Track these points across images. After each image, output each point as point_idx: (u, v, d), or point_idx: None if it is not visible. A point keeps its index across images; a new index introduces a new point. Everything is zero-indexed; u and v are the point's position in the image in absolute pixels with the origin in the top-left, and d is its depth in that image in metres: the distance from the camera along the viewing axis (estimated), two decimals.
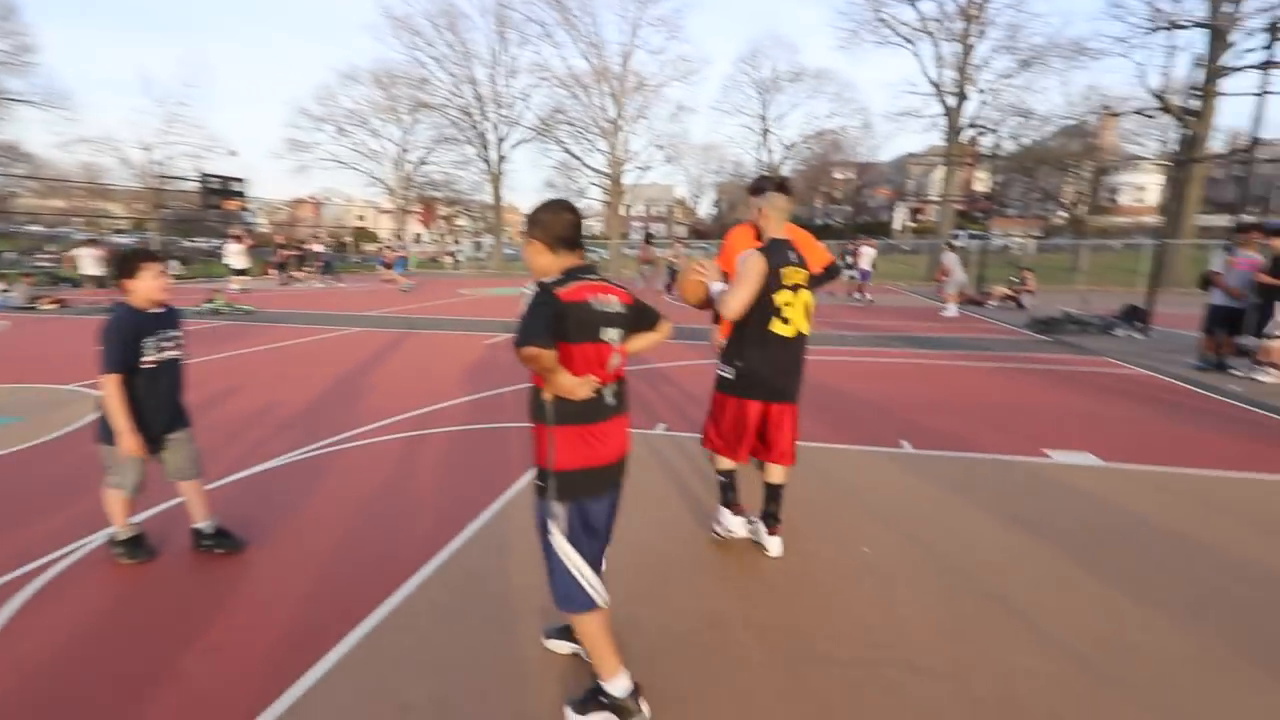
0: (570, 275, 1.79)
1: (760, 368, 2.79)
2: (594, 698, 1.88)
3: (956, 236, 24.93)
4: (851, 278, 16.78)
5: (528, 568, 2.64)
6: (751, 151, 48.09)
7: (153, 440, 2.74)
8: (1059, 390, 6.35)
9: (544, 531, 1.85)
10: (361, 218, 62.52)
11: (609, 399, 1.85)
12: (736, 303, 2.68)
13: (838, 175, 52.99)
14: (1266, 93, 8.26)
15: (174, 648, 2.26)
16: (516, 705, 1.98)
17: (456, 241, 45.96)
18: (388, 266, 21.01)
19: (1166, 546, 3.04)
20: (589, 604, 1.84)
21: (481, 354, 8.09)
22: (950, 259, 13.74)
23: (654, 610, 2.50)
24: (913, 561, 2.88)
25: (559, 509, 1.80)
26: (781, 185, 2.89)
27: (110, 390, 2.59)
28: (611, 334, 1.83)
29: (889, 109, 65.81)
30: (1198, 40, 21.02)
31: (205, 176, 26.44)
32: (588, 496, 1.83)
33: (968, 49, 26.26)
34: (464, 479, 3.84)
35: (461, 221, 52.65)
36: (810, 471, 3.97)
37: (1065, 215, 41.57)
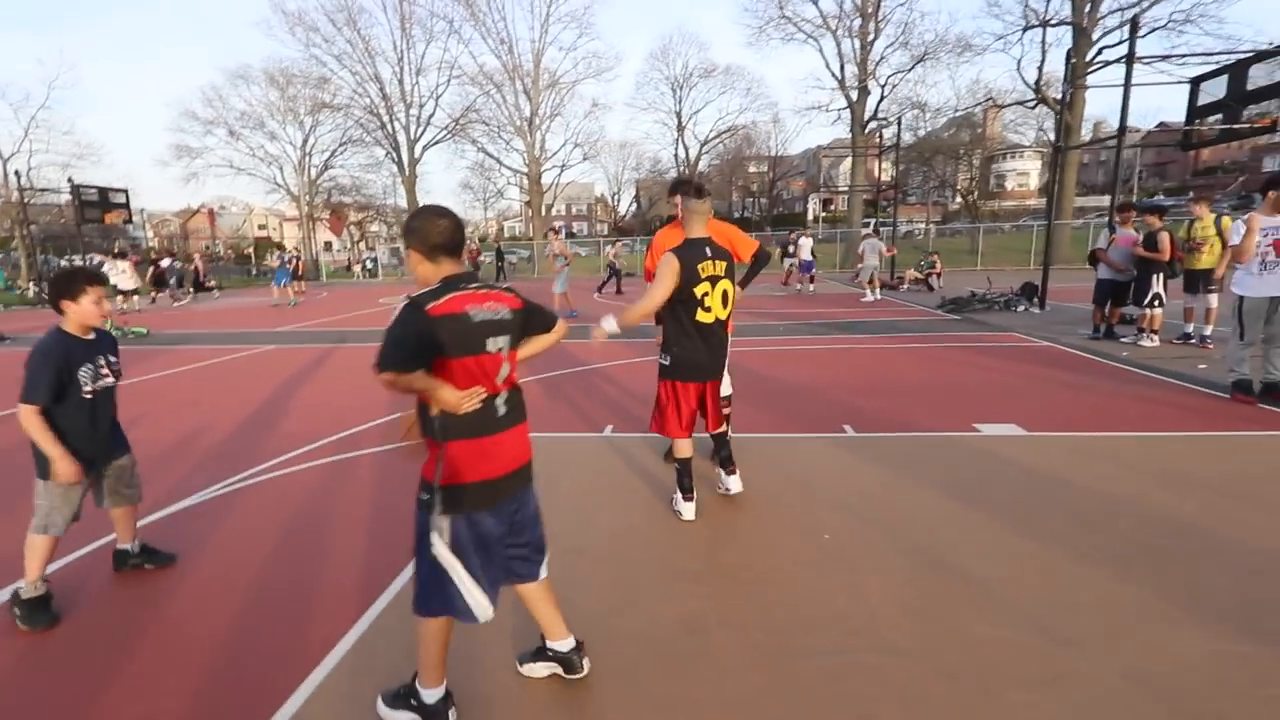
0: (448, 285, 1.71)
1: (690, 353, 3.11)
2: (406, 697, 1.89)
3: (868, 224, 26.22)
4: (792, 268, 17.28)
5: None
6: (668, 147, 48.73)
7: (93, 469, 2.62)
8: (977, 366, 6.77)
9: (422, 542, 1.75)
10: (263, 226, 58.66)
11: (501, 409, 1.80)
12: (652, 302, 3.00)
13: (752, 169, 54.54)
14: (1130, 85, 9.10)
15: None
16: None
17: (370, 248, 43.90)
18: (299, 278, 19.72)
19: (1091, 505, 3.28)
20: (464, 613, 1.75)
21: None
22: (868, 245, 14.26)
23: (629, 620, 2.44)
24: (873, 544, 2.97)
25: (443, 522, 1.71)
26: (699, 190, 3.11)
27: (32, 421, 2.40)
28: (499, 342, 1.78)
29: (797, 104, 68.39)
30: (1066, 37, 22.98)
31: (78, 187, 23.93)
32: (478, 510, 1.77)
33: (866, 45, 27.64)
34: (403, 500, 3.63)
35: (375, 228, 50.38)
36: (762, 462, 4.03)
37: (960, 201, 44.61)
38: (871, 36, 27.56)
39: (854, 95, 28.33)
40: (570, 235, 54.13)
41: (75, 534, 3.26)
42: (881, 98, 28.70)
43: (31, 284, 24.04)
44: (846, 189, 34.98)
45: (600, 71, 35.90)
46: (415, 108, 33.94)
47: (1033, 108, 28.13)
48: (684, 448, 3.25)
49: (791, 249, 17.45)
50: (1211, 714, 1.87)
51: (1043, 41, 24.05)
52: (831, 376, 6.51)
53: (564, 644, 2.09)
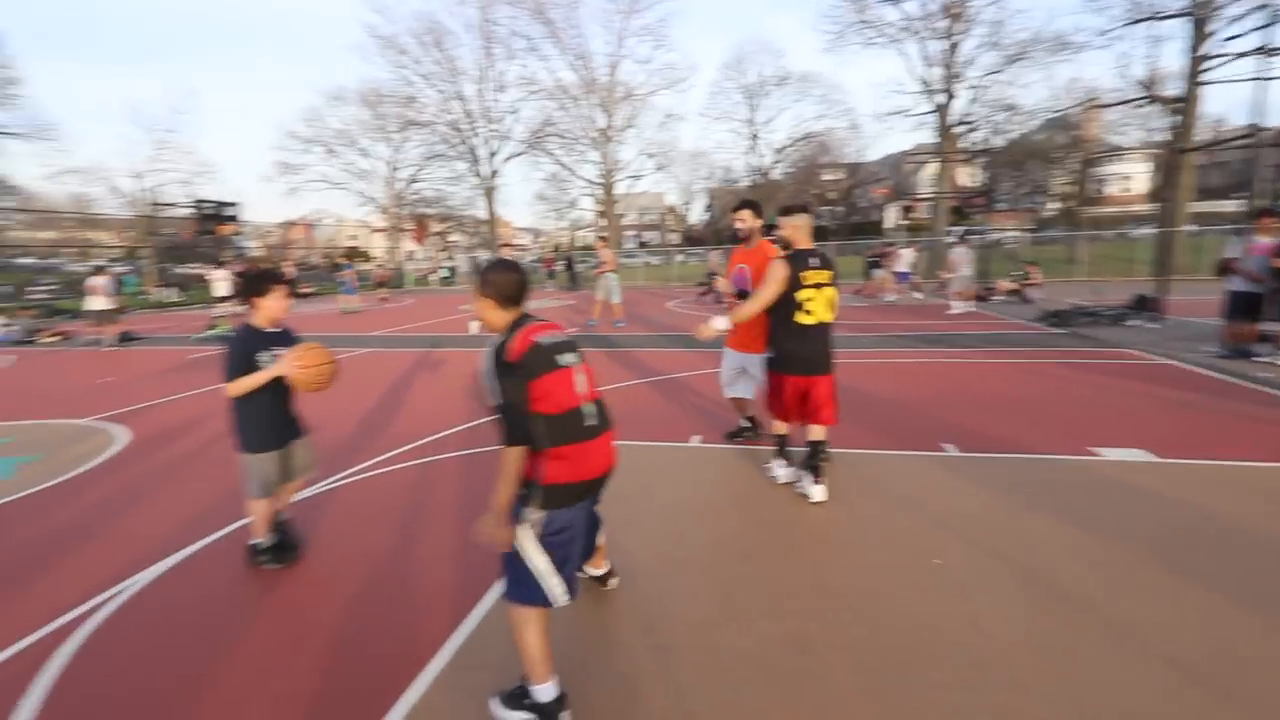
0: (515, 325, 1.97)
1: (791, 350, 3.57)
2: (520, 697, 1.98)
3: (950, 232, 24.99)
4: (881, 279, 16.81)
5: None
6: (741, 156, 48.29)
7: (281, 443, 2.98)
8: (1088, 384, 6.29)
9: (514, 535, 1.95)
10: (353, 237, 62.42)
11: (589, 419, 1.99)
12: (760, 303, 3.52)
13: (827, 176, 53.27)
14: (1263, 78, 8.26)
15: (233, 702, 2.14)
16: None
17: (450, 257, 45.85)
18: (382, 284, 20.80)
19: (1239, 543, 2.96)
20: (544, 600, 1.94)
21: None
22: (959, 254, 13.64)
23: (733, 636, 2.40)
24: (988, 572, 2.79)
25: (535, 515, 1.92)
26: (805, 209, 3.71)
27: (234, 388, 2.81)
28: (568, 358, 1.99)
29: (877, 109, 66.33)
30: (1181, 30, 21.20)
31: (198, 202, 26.29)
32: (566, 507, 1.97)
33: (953, 47, 26.48)
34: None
35: (455, 237, 52.60)
36: (861, 481, 3.89)
37: (1057, 207, 41.87)
38: (959, 38, 26.40)
39: (940, 99, 27.19)
40: (642, 244, 54.54)
41: (202, 523, 3.55)
42: (970, 100, 27.39)
43: (158, 288, 26.51)
44: (930, 196, 33.53)
45: (674, 83, 35.94)
46: (496, 123, 35.27)
47: (1141, 107, 26.07)
48: (781, 427, 3.77)
49: (880, 262, 17.16)
50: None
51: (1154, 36, 22.26)
52: (927, 391, 6.21)
53: (599, 570, 2.63)
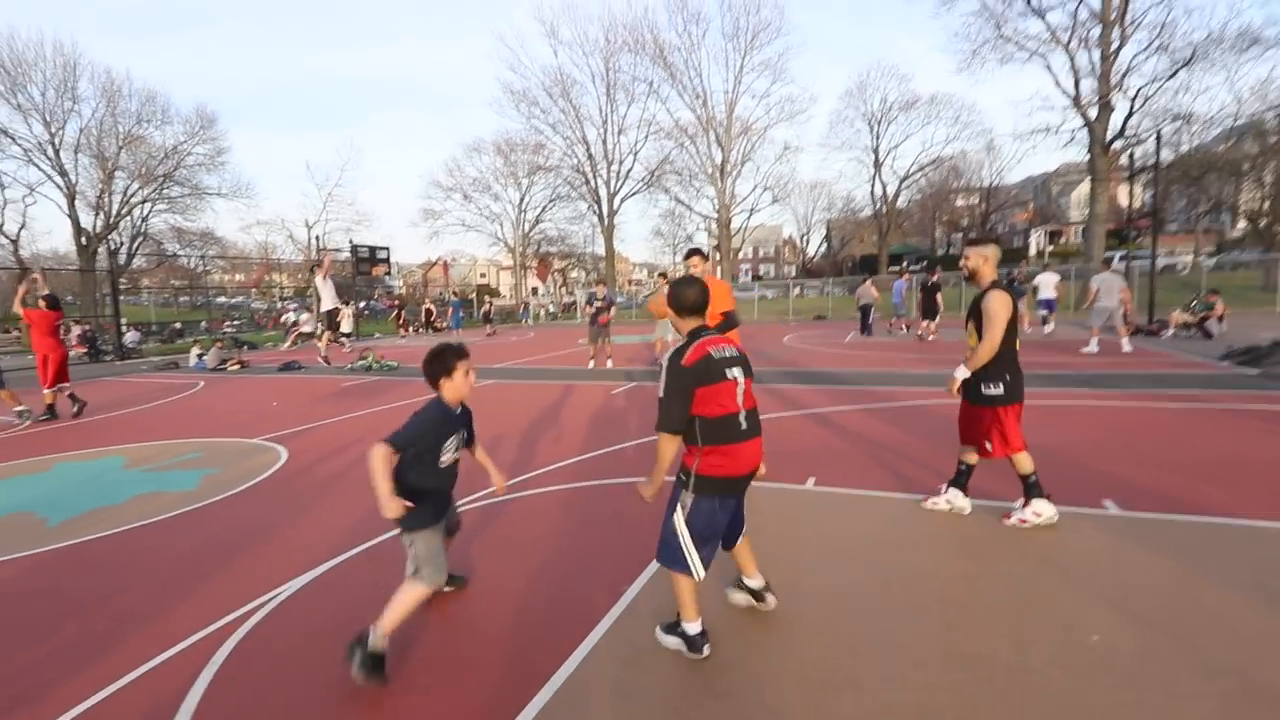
0: (693, 336, 2.40)
1: (1016, 377, 3.61)
2: (674, 627, 2.50)
3: (1110, 260, 22.37)
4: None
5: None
6: (863, 185, 46.72)
7: (439, 521, 2.71)
8: None
9: (670, 510, 2.44)
10: (483, 275, 67.37)
11: (744, 424, 2.36)
12: (996, 340, 3.50)
13: (960, 202, 50.05)
14: None
15: (365, 706, 2.28)
16: None
17: (570, 293, 47.97)
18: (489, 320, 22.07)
19: None
20: (686, 568, 2.39)
21: (612, 402, 8.16)
22: (1100, 281, 11.47)
23: (853, 703, 2.20)
24: (1162, 658, 2.37)
25: (689, 499, 2.38)
26: (996, 239, 3.86)
27: (378, 457, 2.44)
28: (734, 372, 2.37)
29: (1018, 128, 61.70)
30: None
31: (356, 247, 29.67)
32: (715, 496, 2.38)
33: (1109, 55, 24.12)
34: (615, 536, 3.75)
35: (574, 274, 55.18)
36: (1003, 537, 3.50)
37: (1246, 226, 36.32)
38: (1116, 44, 24.01)
39: (1093, 113, 24.77)
40: (757, 278, 53.98)
41: (352, 536, 3.85)
42: (1130, 112, 24.70)
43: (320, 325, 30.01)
44: (1081, 219, 30.36)
45: (793, 115, 35.88)
46: (616, 164, 36.86)
47: None
48: (1026, 461, 3.62)
49: (1022, 285, 15.65)
50: None
51: None
52: (1082, 439, 5.50)
53: (755, 581, 2.76)
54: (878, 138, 41.88)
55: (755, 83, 34.16)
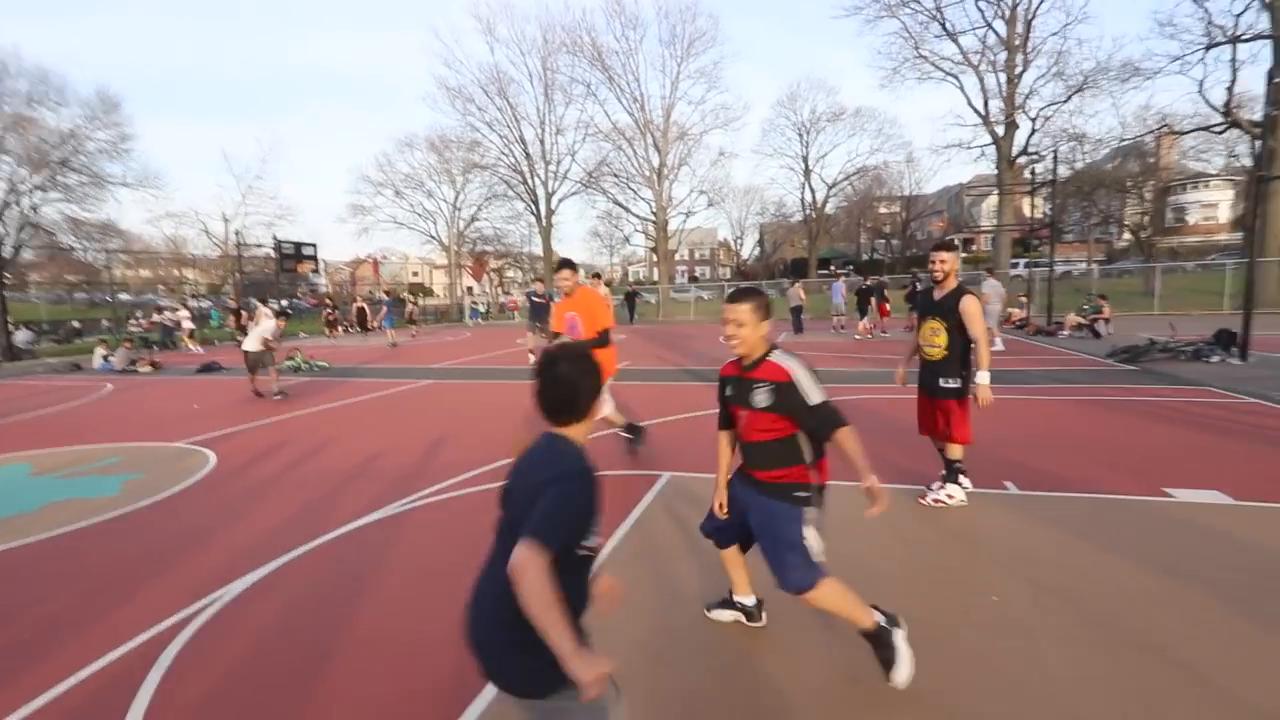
0: (772, 346, 2.37)
1: (970, 373, 3.92)
2: (881, 643, 2.25)
3: (1016, 265, 24.19)
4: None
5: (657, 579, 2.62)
6: (794, 191, 48.44)
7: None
8: (1164, 423, 6.00)
9: (791, 531, 2.27)
10: (416, 274, 65.41)
11: None
12: (986, 338, 3.86)
13: (883, 210, 52.67)
14: None
15: (321, 706, 2.32)
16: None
17: (506, 293, 47.29)
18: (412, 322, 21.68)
19: None
20: (819, 572, 2.24)
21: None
22: (989, 287, 12.65)
23: (789, 665, 2.44)
24: (1050, 612, 2.73)
25: (813, 513, 2.30)
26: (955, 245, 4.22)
27: (537, 571, 1.24)
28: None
29: (934, 142, 65.55)
30: (1264, 52, 20.29)
31: (280, 243, 28.24)
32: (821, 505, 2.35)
33: (1014, 79, 26.11)
34: None
35: (510, 273, 54.42)
36: (915, 516, 3.86)
37: (1130, 238, 40.01)
38: (1020, 69, 26.04)
39: (1000, 130, 26.74)
40: (693, 279, 54.96)
41: (287, 536, 3.80)
42: (1032, 131, 26.81)
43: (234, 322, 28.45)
44: (991, 228, 32.68)
45: (728, 122, 36.80)
46: (554, 164, 36.67)
47: (1220, 132, 24.89)
48: (959, 450, 4.01)
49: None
50: None
51: (1232, 60, 21.38)
52: (986, 429, 6.02)
53: (748, 599, 2.69)
54: (807, 146, 43.51)
55: (691, 89, 35.00)
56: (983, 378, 3.78)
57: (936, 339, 3.94)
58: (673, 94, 33.52)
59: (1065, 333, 14.60)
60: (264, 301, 19.78)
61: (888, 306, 17.06)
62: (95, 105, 31.65)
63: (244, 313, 21.47)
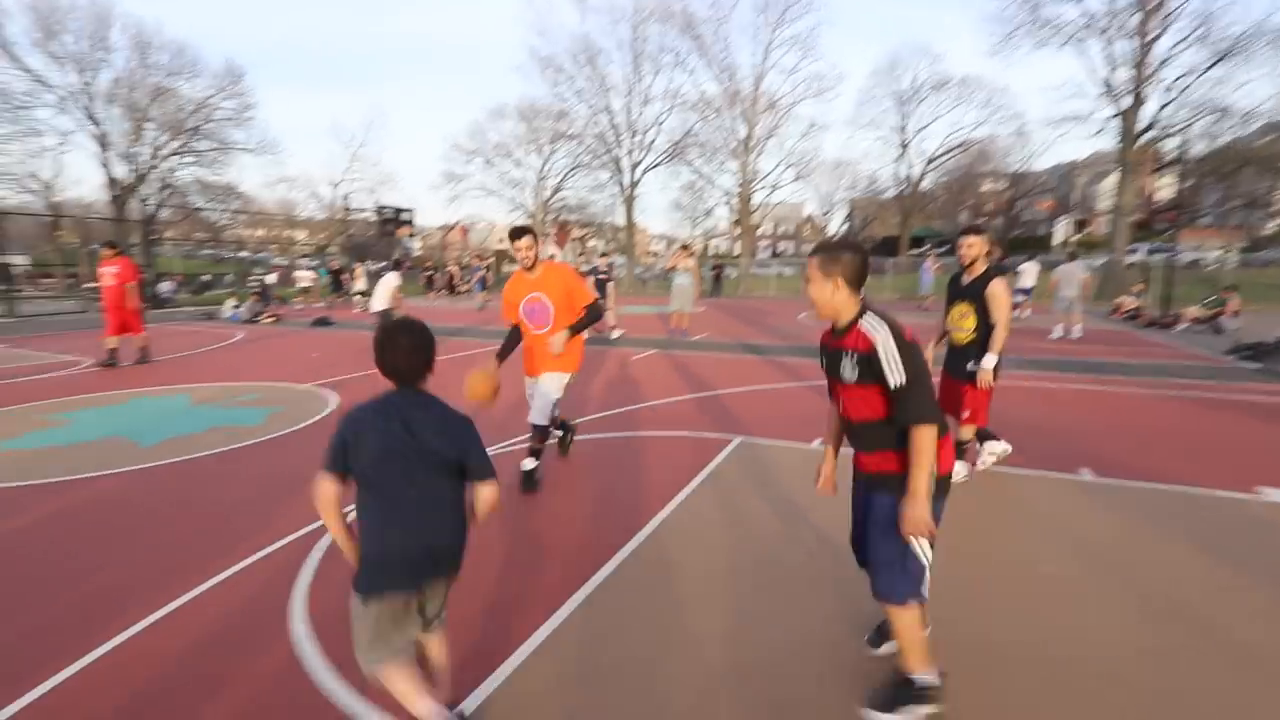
0: (863, 310, 1.95)
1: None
2: (905, 690, 1.99)
3: (1135, 250, 22.27)
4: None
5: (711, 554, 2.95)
6: (889, 165, 46.19)
7: None
8: (1274, 421, 5.66)
9: (894, 529, 1.93)
10: (502, 240, 67.67)
11: None
12: (1007, 324, 3.90)
13: (986, 186, 49.35)
14: None
15: None
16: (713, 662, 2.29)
17: (588, 262, 48.21)
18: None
19: None
20: (921, 594, 1.96)
21: (630, 369, 8.65)
22: (1061, 272, 12.14)
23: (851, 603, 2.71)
24: (1105, 585, 2.85)
25: (939, 508, 1.93)
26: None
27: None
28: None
29: (1048, 115, 60.32)
30: None
31: (381, 208, 30.09)
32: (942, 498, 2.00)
33: (1146, 45, 23.65)
34: (607, 480, 4.27)
35: (592, 243, 55.32)
36: (980, 492, 3.97)
37: (1278, 224, 35.64)
38: (1154, 34, 23.53)
39: (1126, 102, 24.39)
40: (775, 255, 53.84)
41: None
42: (1165, 104, 24.29)
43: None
44: (1110, 210, 30.06)
45: (820, 92, 35.25)
46: (639, 134, 36.72)
47: None
48: (971, 433, 4.16)
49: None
50: None
51: None
52: (1073, 417, 5.93)
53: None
54: (905, 117, 41.24)
55: (784, 58, 33.76)
56: (989, 361, 3.84)
57: (965, 322, 3.99)
58: (764, 62, 32.65)
59: (1183, 326, 13.51)
60: (361, 262, 21.33)
61: None
62: (223, 75, 34.57)
63: (345, 275, 23.19)
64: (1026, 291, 15.28)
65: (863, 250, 1.98)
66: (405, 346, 1.83)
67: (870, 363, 1.88)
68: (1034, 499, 3.90)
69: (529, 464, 4.08)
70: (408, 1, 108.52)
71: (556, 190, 42.48)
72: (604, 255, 17.76)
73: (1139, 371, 8.32)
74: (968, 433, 4.10)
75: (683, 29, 33.01)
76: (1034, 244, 44.59)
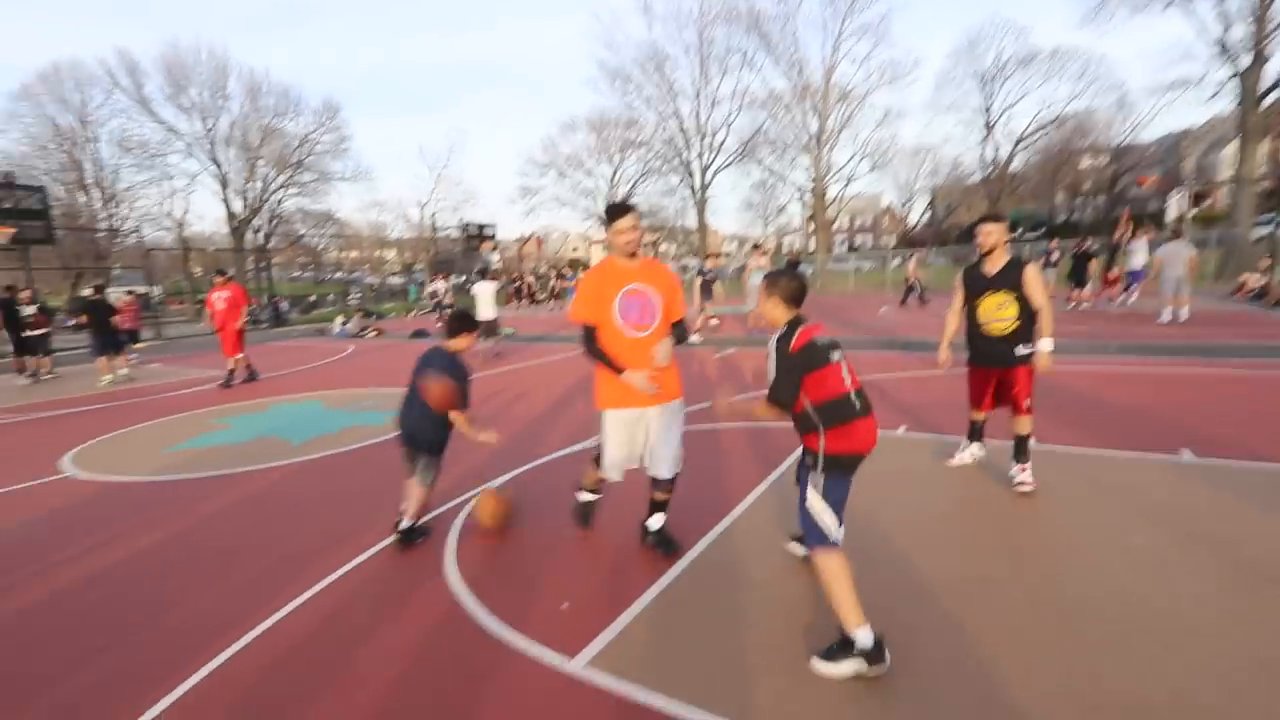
0: (794, 324, 2.45)
1: None
2: (845, 647, 2.27)
3: (1263, 223, 20.24)
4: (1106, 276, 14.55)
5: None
6: (973, 148, 44.00)
7: None
8: None
9: (803, 490, 2.44)
10: (575, 249, 69.50)
11: (856, 403, 2.40)
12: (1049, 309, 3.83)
13: (1085, 163, 45.98)
14: None
15: (531, 590, 3.26)
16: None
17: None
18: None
19: None
20: (828, 539, 2.36)
21: (717, 366, 8.95)
22: (1165, 251, 11.22)
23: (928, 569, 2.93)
24: (1195, 556, 2.91)
25: (819, 478, 2.40)
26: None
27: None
28: (836, 355, 2.43)
29: (1153, 82, 55.54)
30: None
31: (465, 225, 31.81)
32: (840, 474, 2.40)
33: None
34: (720, 474, 4.58)
35: (664, 247, 55.85)
36: (1075, 474, 4.01)
37: None
38: None
39: (1245, 61, 22.24)
40: (853, 249, 52.37)
41: (511, 457, 4.87)
42: None
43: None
44: (1229, 180, 27.37)
45: (895, 79, 34.14)
46: (708, 136, 36.88)
47: None
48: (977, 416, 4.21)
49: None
50: None
51: None
52: (1174, 401, 5.71)
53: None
54: (990, 96, 39.19)
55: (855, 47, 32.95)
56: (1046, 344, 3.72)
57: (1005, 311, 3.83)
58: (834, 54, 32.00)
59: None
60: (445, 277, 22.73)
61: (1115, 271, 14.45)
62: (321, 111, 37.66)
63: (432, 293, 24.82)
64: (1137, 274, 13.85)
65: (799, 277, 2.54)
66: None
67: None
68: (1128, 477, 3.90)
69: (588, 497, 3.65)
70: (481, 25, 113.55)
71: (628, 197, 43.26)
72: (714, 256, 17.86)
73: (1250, 353, 7.77)
74: (1026, 425, 3.85)
75: (749, 27, 32.93)
76: (1146, 222, 41.04)
